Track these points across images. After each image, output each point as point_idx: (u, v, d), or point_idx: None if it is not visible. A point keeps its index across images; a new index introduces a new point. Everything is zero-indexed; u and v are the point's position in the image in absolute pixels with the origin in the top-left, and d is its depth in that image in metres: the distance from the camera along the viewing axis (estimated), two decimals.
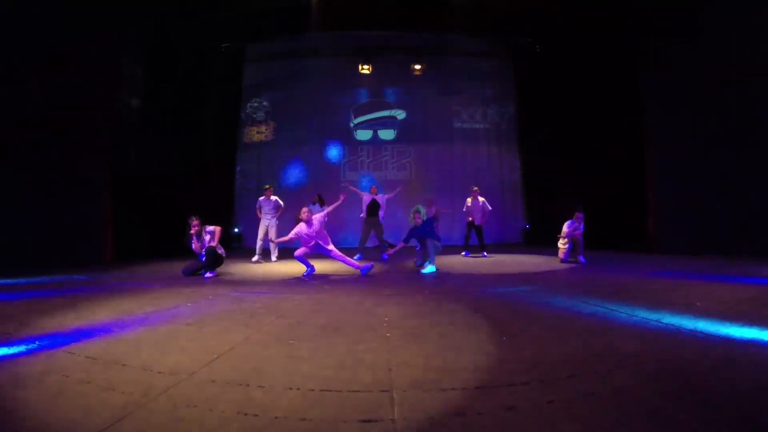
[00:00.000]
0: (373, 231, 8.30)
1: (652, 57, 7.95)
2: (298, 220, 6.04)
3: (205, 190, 10.35)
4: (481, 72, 12.55)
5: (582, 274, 5.67)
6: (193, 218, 6.00)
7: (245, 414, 1.61)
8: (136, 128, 8.81)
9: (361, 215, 8.45)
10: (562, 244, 6.98)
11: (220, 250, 6.03)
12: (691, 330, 2.61)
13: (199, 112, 10.86)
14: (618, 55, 8.69)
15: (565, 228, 6.95)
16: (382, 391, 1.81)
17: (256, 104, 12.46)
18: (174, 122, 9.76)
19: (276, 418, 1.58)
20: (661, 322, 2.81)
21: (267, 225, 7.86)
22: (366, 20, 10.97)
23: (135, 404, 1.69)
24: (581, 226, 6.91)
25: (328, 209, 6.46)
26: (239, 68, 12.25)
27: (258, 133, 12.40)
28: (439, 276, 5.59)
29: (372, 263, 5.97)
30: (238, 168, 12.26)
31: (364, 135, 12.44)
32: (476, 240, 8.40)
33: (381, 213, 8.41)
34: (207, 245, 5.89)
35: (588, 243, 6.97)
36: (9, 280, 5.24)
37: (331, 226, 7.54)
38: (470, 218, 8.40)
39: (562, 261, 6.90)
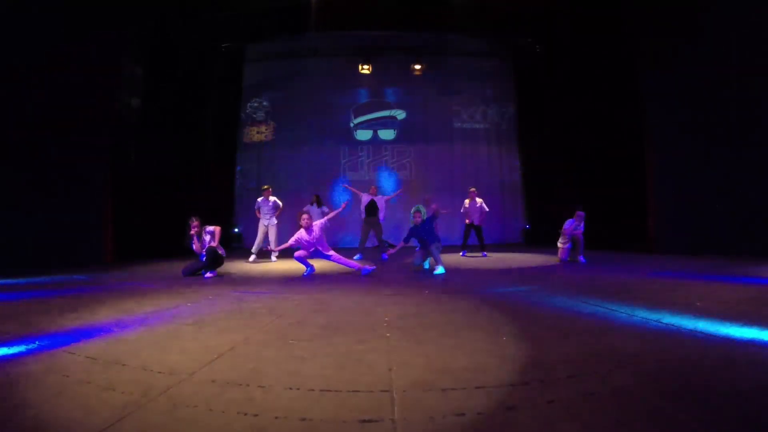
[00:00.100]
0: (372, 231, 8.30)
1: (652, 57, 7.95)
2: (300, 217, 6.05)
3: (205, 190, 10.36)
4: (481, 72, 12.54)
5: (582, 273, 5.67)
6: (193, 219, 6.01)
7: (245, 414, 1.61)
8: (136, 128, 8.82)
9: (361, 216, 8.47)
10: (561, 244, 6.98)
11: (221, 251, 6.03)
12: (691, 330, 2.61)
13: (199, 112, 10.86)
14: (618, 55, 8.69)
15: (565, 227, 6.95)
16: (382, 391, 1.81)
17: (256, 104, 12.46)
18: (174, 122, 9.76)
19: (276, 418, 1.58)
20: (661, 322, 2.81)
21: (266, 225, 7.84)
22: (366, 20, 10.97)
23: (135, 404, 1.69)
24: (582, 225, 6.91)
25: (328, 216, 6.48)
26: (239, 68, 12.24)
27: (258, 133, 12.39)
28: (439, 276, 5.59)
29: (374, 266, 5.92)
30: (238, 168, 12.25)
31: (364, 135, 12.44)
32: (475, 240, 8.40)
33: (381, 215, 8.41)
34: (207, 245, 5.89)
35: (588, 243, 6.97)
36: (9, 280, 5.25)
37: (330, 226, 7.54)
38: (468, 220, 8.43)
39: (562, 261, 6.90)
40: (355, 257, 7.43)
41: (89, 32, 7.46)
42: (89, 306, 3.67)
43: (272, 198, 7.94)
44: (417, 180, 12.10)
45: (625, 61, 8.43)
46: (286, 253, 7.69)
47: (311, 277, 5.70)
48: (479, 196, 8.52)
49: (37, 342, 2.56)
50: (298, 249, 5.98)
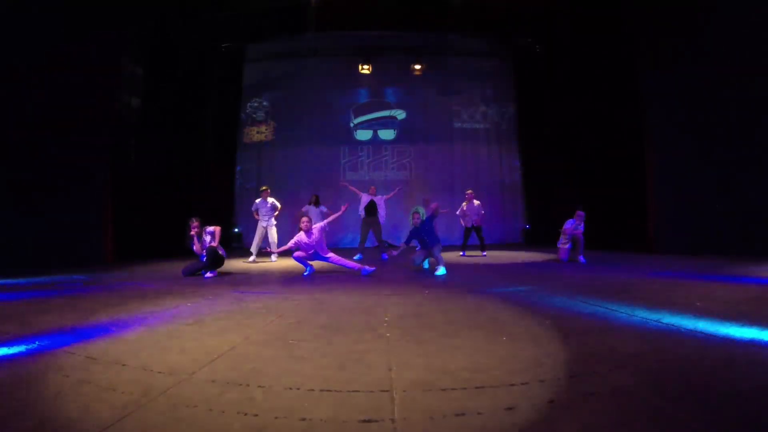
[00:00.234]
0: (371, 231, 8.30)
1: (652, 57, 7.95)
2: (300, 218, 6.06)
3: (205, 190, 10.36)
4: (481, 72, 12.54)
5: (582, 274, 5.66)
6: (194, 220, 6.00)
7: (245, 414, 1.61)
8: (136, 128, 8.82)
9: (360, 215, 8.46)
10: (561, 244, 6.98)
11: (221, 251, 6.02)
12: (691, 330, 2.61)
13: (199, 112, 10.87)
14: (618, 55, 8.69)
15: (565, 227, 6.95)
16: (382, 391, 1.81)
17: (256, 104, 12.45)
18: (174, 122, 9.77)
19: (276, 418, 1.58)
20: (661, 322, 2.81)
21: (265, 227, 7.80)
22: (366, 20, 10.97)
23: (135, 404, 1.69)
24: (582, 225, 6.91)
25: (328, 219, 6.48)
26: (239, 68, 12.24)
27: (258, 133, 12.39)
28: (439, 276, 5.59)
29: (375, 267, 5.90)
30: (238, 168, 12.25)
31: (364, 135, 12.43)
32: (476, 240, 8.41)
33: (381, 214, 8.40)
34: (207, 245, 5.89)
35: (588, 243, 6.96)
36: (9, 280, 5.25)
37: (329, 229, 7.53)
38: (466, 224, 8.44)
39: (562, 261, 6.90)
40: (355, 257, 7.43)
41: (89, 32, 7.46)
42: (89, 306, 3.67)
43: (270, 199, 7.91)
44: (417, 180, 12.10)
45: (625, 61, 8.43)
46: (285, 253, 7.69)
47: (311, 277, 5.70)
48: (477, 198, 8.55)
49: (37, 342, 2.56)
50: (297, 250, 5.99)
